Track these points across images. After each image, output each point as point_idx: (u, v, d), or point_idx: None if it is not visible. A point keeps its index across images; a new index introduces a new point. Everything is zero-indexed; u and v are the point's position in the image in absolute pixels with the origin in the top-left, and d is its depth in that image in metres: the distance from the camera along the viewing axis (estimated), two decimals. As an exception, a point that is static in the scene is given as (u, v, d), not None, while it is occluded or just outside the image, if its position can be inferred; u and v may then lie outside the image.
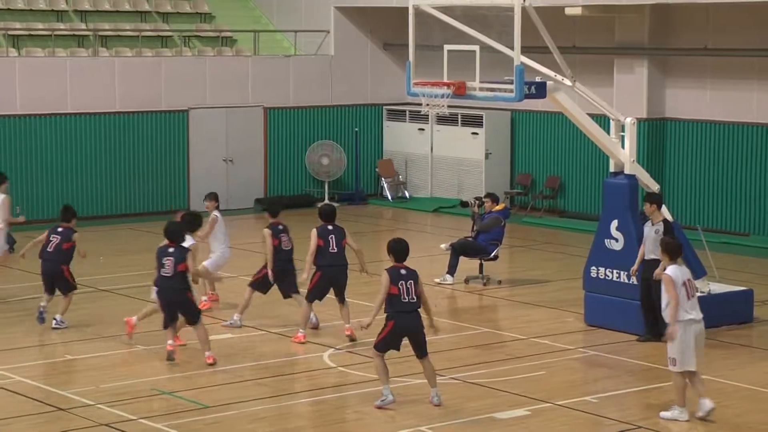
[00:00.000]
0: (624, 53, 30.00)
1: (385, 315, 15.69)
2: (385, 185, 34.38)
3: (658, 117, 29.92)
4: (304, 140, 33.72)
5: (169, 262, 17.51)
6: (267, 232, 19.71)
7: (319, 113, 34.08)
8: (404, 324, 15.58)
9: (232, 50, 34.01)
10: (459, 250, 23.39)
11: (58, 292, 20.04)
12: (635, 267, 19.16)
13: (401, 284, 15.54)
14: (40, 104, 30.11)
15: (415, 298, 15.61)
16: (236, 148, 32.81)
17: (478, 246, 23.31)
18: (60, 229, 20.27)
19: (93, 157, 30.83)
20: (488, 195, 24.00)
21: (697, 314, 15.10)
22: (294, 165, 33.71)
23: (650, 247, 18.77)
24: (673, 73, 29.92)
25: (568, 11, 28.87)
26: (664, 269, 15.40)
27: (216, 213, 21.63)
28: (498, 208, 23.66)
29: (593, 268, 20.40)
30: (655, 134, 29.81)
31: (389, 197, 34.19)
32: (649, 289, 18.53)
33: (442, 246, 24.14)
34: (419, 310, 15.69)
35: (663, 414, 15.23)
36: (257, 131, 33.16)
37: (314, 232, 19.23)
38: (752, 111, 28.54)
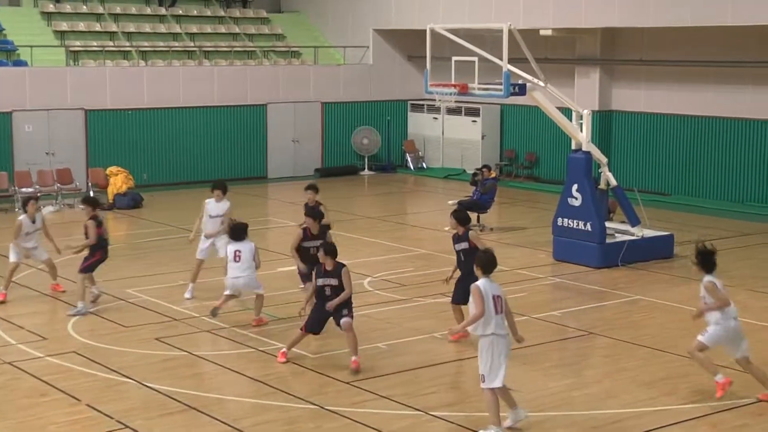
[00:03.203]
0: (582, 63, 29.76)
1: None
2: (409, 159, 34.21)
3: (606, 109, 29.68)
4: (350, 126, 33.57)
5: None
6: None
7: (361, 106, 33.91)
8: None
9: (298, 61, 33.84)
10: (466, 206, 23.21)
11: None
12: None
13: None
14: (161, 100, 30.08)
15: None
16: (301, 132, 32.68)
17: (480, 203, 23.18)
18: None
19: (198, 138, 30.78)
20: (485, 166, 23.86)
21: (502, 330, 10.98)
22: (343, 144, 33.56)
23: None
24: (618, 77, 29.67)
25: (542, 32, 28.70)
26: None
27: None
28: (492, 175, 23.54)
29: (559, 218, 20.29)
30: (605, 122, 29.58)
31: (412, 167, 34.04)
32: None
33: (450, 202, 24.09)
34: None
35: None
36: (316, 119, 33.01)
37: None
38: (675, 105, 28.32)
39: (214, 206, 16.94)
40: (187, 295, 17.07)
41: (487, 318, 10.90)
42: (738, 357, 12.32)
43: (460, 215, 14.55)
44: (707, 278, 12.11)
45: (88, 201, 16.58)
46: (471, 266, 11.91)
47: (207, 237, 17.05)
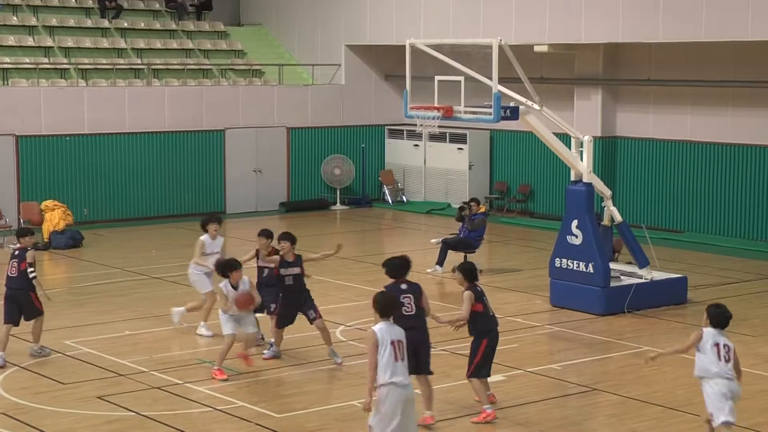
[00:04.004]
0: (582, 83, 29.99)
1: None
2: (387, 191, 34.34)
3: (610, 135, 29.89)
4: (319, 154, 33.69)
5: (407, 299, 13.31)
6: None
7: (332, 132, 34.04)
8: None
9: (260, 80, 33.98)
10: (452, 245, 23.33)
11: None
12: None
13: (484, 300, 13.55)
14: (103, 125, 30.11)
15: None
16: (264, 161, 32.77)
17: (467, 241, 23.27)
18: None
19: (146, 168, 30.81)
20: (473, 199, 23.97)
21: (403, 379, 11.09)
22: (311, 174, 33.66)
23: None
24: (622, 99, 29.91)
25: (537, 48, 28.90)
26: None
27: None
28: (481, 209, 23.65)
29: (557, 259, 20.37)
30: (608, 150, 29.78)
31: (390, 201, 34.16)
32: None
33: (433, 241, 24.15)
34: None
35: None
36: (281, 147, 33.11)
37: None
38: (687, 130, 28.55)
39: (210, 243, 17.77)
40: (206, 332, 17.76)
41: (385, 365, 11.03)
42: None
43: (467, 268, 13.95)
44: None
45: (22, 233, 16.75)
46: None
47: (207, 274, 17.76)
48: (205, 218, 18.14)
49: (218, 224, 17.86)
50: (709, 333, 11.89)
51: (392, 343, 11.06)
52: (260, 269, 16.86)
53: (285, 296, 16.06)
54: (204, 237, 17.79)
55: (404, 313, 12.92)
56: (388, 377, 11.01)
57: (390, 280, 13.43)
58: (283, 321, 16.19)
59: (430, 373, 13.42)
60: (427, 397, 13.41)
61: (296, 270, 15.94)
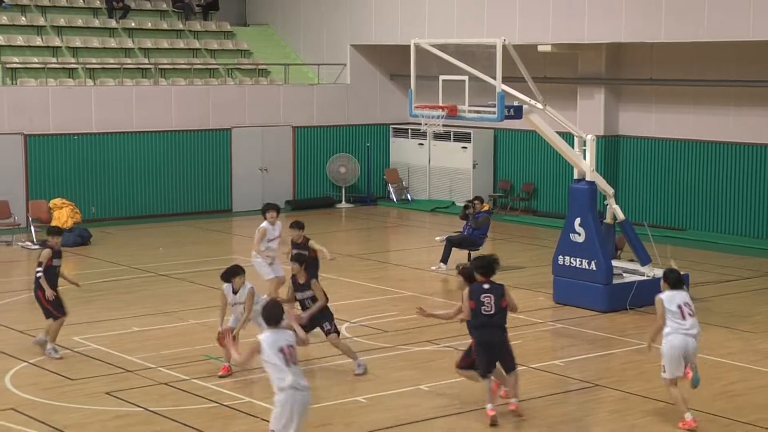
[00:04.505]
0: (585, 83, 30.01)
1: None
2: (391, 190, 34.37)
3: (612, 134, 29.92)
4: (325, 153, 33.73)
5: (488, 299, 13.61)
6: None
7: (337, 131, 34.09)
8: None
9: (266, 80, 34.02)
10: (456, 242, 23.38)
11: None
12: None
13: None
14: (111, 125, 30.18)
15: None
16: (270, 160, 32.81)
17: (471, 239, 23.31)
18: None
19: (153, 167, 30.86)
20: (477, 198, 24.03)
21: (300, 382, 10.95)
22: (317, 173, 33.71)
23: None
24: (625, 98, 29.93)
25: (540, 48, 28.94)
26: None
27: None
28: (485, 208, 23.70)
29: (560, 256, 20.41)
30: (611, 148, 29.81)
31: (395, 199, 34.19)
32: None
33: (437, 238, 24.19)
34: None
35: None
36: (287, 146, 33.17)
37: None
38: (689, 129, 28.57)
39: (271, 229, 18.63)
40: None
41: (279, 371, 10.91)
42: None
43: (467, 272, 13.97)
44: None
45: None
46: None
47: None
48: (264, 206, 18.92)
49: (276, 211, 18.67)
50: (670, 296, 13.30)
51: (281, 349, 10.90)
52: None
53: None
54: (264, 224, 18.55)
55: (483, 312, 13.28)
56: (288, 383, 10.85)
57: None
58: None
59: (514, 368, 13.69)
60: (512, 385, 13.81)
61: (309, 293, 15.61)
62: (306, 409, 11.03)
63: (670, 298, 13.30)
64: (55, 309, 16.47)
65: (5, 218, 27.45)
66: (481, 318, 13.27)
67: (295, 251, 17.07)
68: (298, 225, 18.07)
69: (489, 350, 13.40)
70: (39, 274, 16.40)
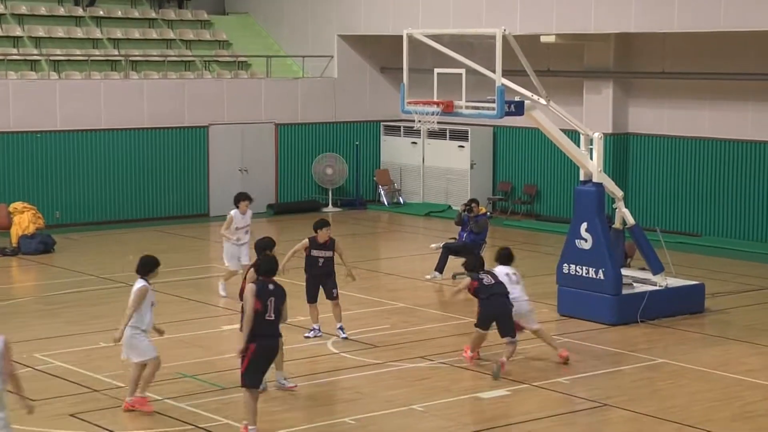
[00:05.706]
0: (592, 76, 30.02)
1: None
2: (382, 192, 34.37)
3: (622, 132, 29.93)
4: (310, 152, 33.72)
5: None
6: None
7: (323, 128, 34.07)
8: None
9: (247, 73, 34.00)
10: (454, 250, 23.29)
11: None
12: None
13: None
14: (77, 121, 30.11)
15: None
16: (250, 160, 32.78)
17: (470, 246, 23.23)
18: None
19: (124, 168, 30.81)
20: (472, 200, 23.96)
21: None
22: (302, 174, 33.69)
23: None
24: (635, 93, 29.95)
25: (543, 39, 28.95)
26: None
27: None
28: (481, 211, 23.67)
29: (565, 265, 20.37)
30: (620, 147, 29.82)
31: (386, 203, 34.18)
32: None
33: (432, 246, 24.16)
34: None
35: None
36: (269, 144, 33.14)
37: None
38: (705, 127, 28.59)
39: (240, 218, 21.19)
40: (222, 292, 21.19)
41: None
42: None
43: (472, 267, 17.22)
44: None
45: None
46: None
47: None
48: (236, 195, 21.54)
49: (249, 201, 21.29)
50: (498, 269, 17.07)
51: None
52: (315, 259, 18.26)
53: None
54: (233, 212, 21.10)
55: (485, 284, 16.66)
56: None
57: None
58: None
59: (514, 335, 16.67)
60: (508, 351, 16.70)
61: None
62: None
63: None
64: None
65: (-38, 223, 27.37)
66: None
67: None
68: (324, 224, 18.46)
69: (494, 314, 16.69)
70: None
